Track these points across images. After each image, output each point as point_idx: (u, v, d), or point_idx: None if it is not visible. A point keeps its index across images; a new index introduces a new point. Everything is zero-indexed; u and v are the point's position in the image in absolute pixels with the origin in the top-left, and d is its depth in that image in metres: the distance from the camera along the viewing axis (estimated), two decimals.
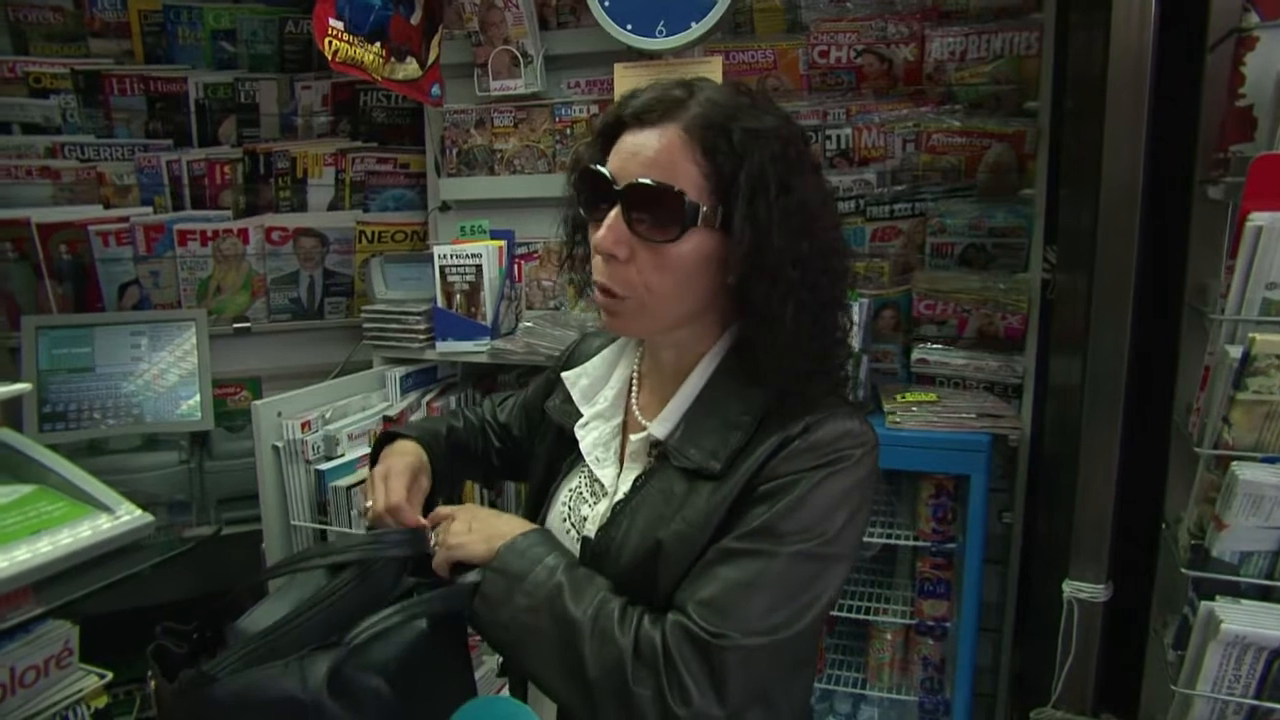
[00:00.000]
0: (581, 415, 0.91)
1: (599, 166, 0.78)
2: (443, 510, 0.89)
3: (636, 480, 0.83)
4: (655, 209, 0.74)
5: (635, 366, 0.92)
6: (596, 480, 0.88)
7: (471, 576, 0.80)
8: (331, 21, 1.64)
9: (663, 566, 0.76)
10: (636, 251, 0.76)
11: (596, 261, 0.79)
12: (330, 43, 1.65)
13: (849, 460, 0.75)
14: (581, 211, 0.83)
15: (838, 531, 0.74)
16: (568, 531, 0.88)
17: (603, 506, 0.86)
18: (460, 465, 1.09)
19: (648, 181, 0.74)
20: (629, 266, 0.77)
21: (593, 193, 0.79)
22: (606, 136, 0.80)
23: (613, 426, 0.90)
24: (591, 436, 0.89)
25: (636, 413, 0.89)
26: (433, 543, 0.85)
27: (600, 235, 0.77)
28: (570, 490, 0.91)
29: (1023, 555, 1.61)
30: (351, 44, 1.69)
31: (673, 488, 0.79)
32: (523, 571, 0.77)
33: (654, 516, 0.79)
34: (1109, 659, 1.26)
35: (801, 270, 0.75)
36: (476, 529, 0.83)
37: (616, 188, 0.76)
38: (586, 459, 0.89)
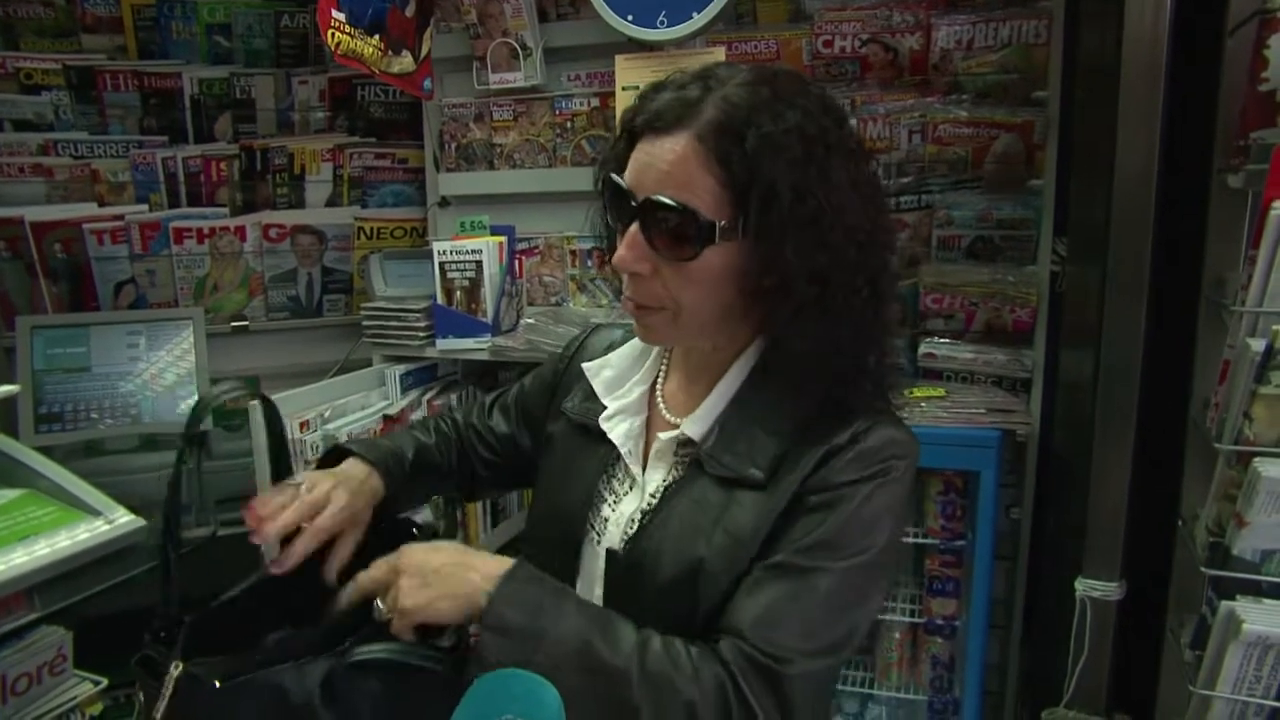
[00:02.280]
0: (604, 408, 0.86)
1: (617, 177, 0.74)
2: (375, 573, 0.74)
3: (666, 489, 0.80)
4: (671, 227, 0.71)
5: (664, 362, 0.88)
6: (614, 479, 0.84)
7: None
8: (334, 13, 1.62)
9: (705, 584, 0.73)
10: (659, 266, 0.73)
11: (625, 275, 0.76)
12: (333, 34, 1.62)
13: (896, 471, 0.74)
14: (608, 219, 0.80)
15: (885, 543, 0.73)
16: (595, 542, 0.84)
17: (626, 508, 0.82)
18: (425, 485, 1.01)
19: (662, 200, 0.70)
20: (654, 280, 0.74)
21: (615, 202, 0.76)
22: (628, 138, 0.76)
23: (640, 422, 0.85)
24: (621, 429, 0.84)
25: (662, 407, 0.85)
26: (380, 609, 0.72)
27: (620, 254, 0.74)
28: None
29: (1030, 551, 1.59)
30: (353, 36, 1.66)
31: (707, 497, 0.76)
32: (531, 627, 0.67)
33: (689, 528, 0.75)
34: (1121, 657, 1.24)
35: (821, 285, 0.70)
36: (435, 584, 0.70)
37: (633, 203, 0.72)
38: (622, 451, 0.83)
